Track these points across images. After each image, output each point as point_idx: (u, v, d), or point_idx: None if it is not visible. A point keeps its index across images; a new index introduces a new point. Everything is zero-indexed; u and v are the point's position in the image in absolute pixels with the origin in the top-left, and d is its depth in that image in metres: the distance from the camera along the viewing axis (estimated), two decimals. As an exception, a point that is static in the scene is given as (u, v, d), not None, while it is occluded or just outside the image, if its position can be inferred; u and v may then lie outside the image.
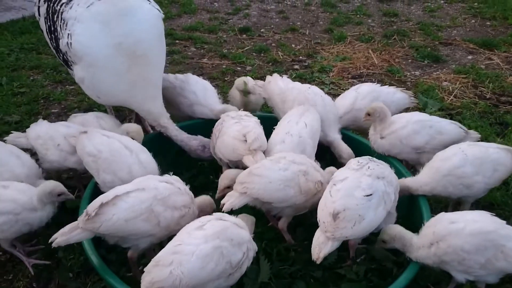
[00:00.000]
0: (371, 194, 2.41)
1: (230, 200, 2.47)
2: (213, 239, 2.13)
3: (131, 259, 2.51)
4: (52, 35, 3.34)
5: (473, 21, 7.03)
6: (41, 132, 3.11)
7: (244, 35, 6.46)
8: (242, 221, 2.33)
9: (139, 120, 3.90)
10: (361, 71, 5.38)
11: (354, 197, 2.39)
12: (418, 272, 2.45)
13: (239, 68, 5.45)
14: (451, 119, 4.34)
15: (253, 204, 2.59)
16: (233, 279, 2.20)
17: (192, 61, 5.63)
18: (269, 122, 3.18)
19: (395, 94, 3.63)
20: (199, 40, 6.17)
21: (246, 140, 2.88)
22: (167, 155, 3.28)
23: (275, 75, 3.59)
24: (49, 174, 3.14)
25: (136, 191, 2.39)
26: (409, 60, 5.74)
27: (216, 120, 3.23)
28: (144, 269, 2.09)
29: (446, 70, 5.48)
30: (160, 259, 2.07)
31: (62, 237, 2.28)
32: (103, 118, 3.38)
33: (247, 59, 5.65)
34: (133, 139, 3.00)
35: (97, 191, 2.85)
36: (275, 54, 5.80)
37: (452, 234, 2.32)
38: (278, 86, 3.44)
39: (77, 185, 3.31)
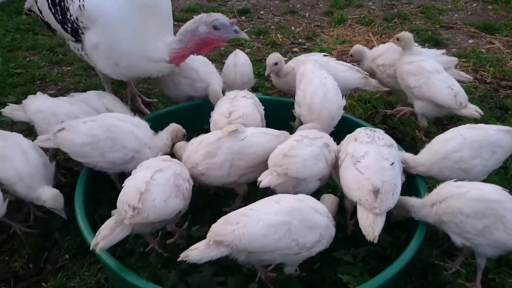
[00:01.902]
0: (393, 163, 2.51)
1: (269, 178, 2.52)
2: (284, 214, 2.20)
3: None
4: (58, 6, 3.26)
5: (474, 4, 6.95)
6: (43, 106, 3.05)
7: (243, 17, 6.38)
8: (323, 208, 2.36)
9: (133, 101, 3.88)
10: (361, 54, 5.32)
11: (385, 169, 2.47)
12: (416, 255, 2.44)
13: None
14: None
15: (283, 183, 2.57)
16: (300, 258, 2.28)
17: (190, 43, 5.56)
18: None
19: (344, 72, 3.65)
20: (197, 22, 6.09)
21: (228, 117, 2.93)
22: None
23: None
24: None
25: (157, 173, 2.41)
26: (410, 44, 5.68)
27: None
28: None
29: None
30: (229, 217, 2.19)
31: (104, 240, 2.24)
32: (105, 97, 3.33)
33: (245, 42, 5.58)
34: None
35: (94, 172, 2.84)
36: (274, 37, 5.73)
37: (454, 196, 2.38)
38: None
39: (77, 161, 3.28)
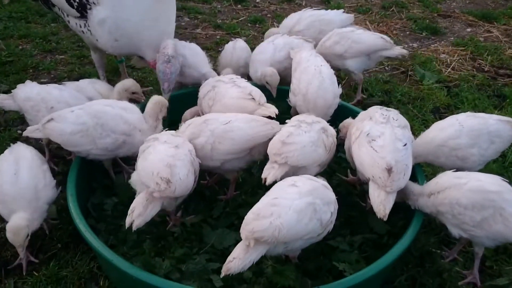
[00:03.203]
0: (406, 144, 2.53)
1: (272, 172, 2.47)
2: (307, 195, 2.20)
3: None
4: None
5: (472, -7, 6.91)
6: (32, 93, 3.00)
7: (239, 6, 6.31)
8: (327, 183, 2.39)
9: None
10: (358, 43, 5.27)
11: (398, 150, 2.49)
12: (412, 242, 2.42)
13: (233, 39, 5.31)
14: (448, 91, 4.32)
15: (286, 173, 2.54)
16: (319, 239, 2.28)
17: (185, 31, 5.51)
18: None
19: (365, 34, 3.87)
20: (192, 10, 6.03)
21: (253, 98, 2.91)
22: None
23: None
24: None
25: (176, 148, 2.45)
26: (407, 32, 5.64)
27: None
28: (243, 224, 2.12)
29: (444, 42, 5.39)
30: (260, 211, 2.12)
31: (140, 218, 2.24)
32: (97, 83, 3.32)
33: (241, 30, 5.53)
34: (134, 93, 3.19)
35: (86, 160, 2.80)
36: (270, 25, 5.66)
37: (452, 187, 2.36)
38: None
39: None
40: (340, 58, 3.76)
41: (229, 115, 2.70)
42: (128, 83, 3.22)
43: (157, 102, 2.90)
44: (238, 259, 2.05)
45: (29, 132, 2.82)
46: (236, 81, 3.06)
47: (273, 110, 2.84)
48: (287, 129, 2.60)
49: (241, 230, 2.11)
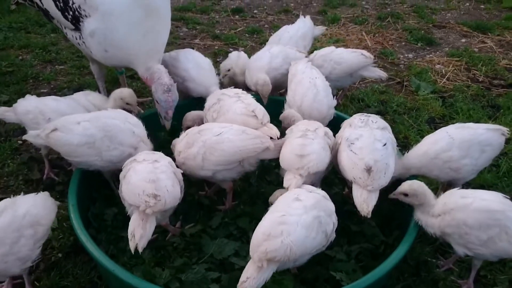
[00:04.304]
0: (385, 144, 2.62)
1: (294, 182, 2.52)
2: (311, 209, 2.25)
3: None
4: None
5: (467, 4, 7.00)
6: (30, 106, 3.06)
7: (237, 16, 6.39)
8: (326, 194, 2.44)
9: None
10: (354, 53, 5.34)
11: (377, 150, 2.58)
12: (408, 252, 2.45)
13: (231, 49, 5.38)
14: (443, 101, 4.38)
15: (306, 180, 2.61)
16: (323, 250, 2.33)
17: (184, 41, 5.57)
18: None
19: (349, 54, 3.90)
20: (191, 21, 6.10)
21: (255, 116, 2.91)
22: (158, 136, 3.28)
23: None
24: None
25: (155, 163, 2.49)
26: (403, 43, 5.71)
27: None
28: (254, 244, 2.15)
29: (439, 53, 5.46)
30: (269, 231, 2.14)
31: (142, 239, 2.27)
32: (90, 95, 3.35)
33: (239, 40, 5.60)
34: (128, 104, 3.21)
35: (87, 170, 2.83)
36: (268, 36, 5.71)
37: (458, 208, 2.37)
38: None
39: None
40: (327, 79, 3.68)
41: (224, 126, 2.76)
42: (125, 93, 3.27)
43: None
44: (252, 279, 2.08)
45: (30, 137, 2.86)
46: (241, 97, 3.07)
47: (275, 132, 2.83)
48: (297, 142, 2.66)
49: (252, 252, 2.14)
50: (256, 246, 2.13)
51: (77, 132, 2.69)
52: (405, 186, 2.53)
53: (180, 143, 2.77)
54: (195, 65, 3.58)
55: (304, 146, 2.62)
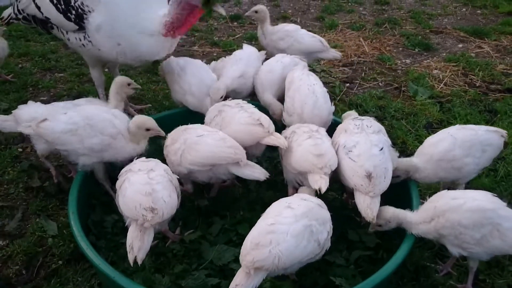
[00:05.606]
0: (382, 148, 2.66)
1: (323, 182, 2.56)
2: (302, 218, 2.25)
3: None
4: None
5: (464, 9, 7.04)
6: (37, 114, 3.01)
7: (235, 23, 6.42)
8: (321, 202, 2.44)
9: (125, 106, 3.90)
10: (352, 59, 5.37)
11: (375, 155, 2.63)
12: (407, 257, 2.46)
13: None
14: (441, 106, 4.41)
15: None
16: (318, 258, 2.34)
17: (182, 48, 5.59)
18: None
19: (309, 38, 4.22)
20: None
21: (261, 124, 2.88)
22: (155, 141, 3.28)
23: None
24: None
25: (151, 173, 2.51)
26: (400, 48, 5.75)
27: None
28: (242, 252, 2.18)
29: (436, 58, 5.49)
30: (257, 239, 2.15)
31: (141, 251, 2.28)
32: (93, 102, 3.34)
33: (238, 47, 5.59)
34: (129, 85, 3.32)
35: (87, 178, 2.85)
36: (266, 42, 5.76)
37: (451, 209, 2.39)
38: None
39: (70, 168, 3.30)
40: (282, 52, 3.96)
41: (210, 130, 2.85)
42: (125, 80, 3.33)
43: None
44: (241, 285, 2.09)
45: (22, 128, 2.96)
46: (243, 106, 3.02)
47: (282, 141, 2.79)
48: (308, 143, 2.72)
49: (241, 260, 2.16)
50: (244, 255, 2.14)
51: (63, 120, 2.83)
52: (378, 219, 2.53)
53: (168, 138, 2.88)
54: (199, 81, 3.50)
55: (317, 145, 2.70)
